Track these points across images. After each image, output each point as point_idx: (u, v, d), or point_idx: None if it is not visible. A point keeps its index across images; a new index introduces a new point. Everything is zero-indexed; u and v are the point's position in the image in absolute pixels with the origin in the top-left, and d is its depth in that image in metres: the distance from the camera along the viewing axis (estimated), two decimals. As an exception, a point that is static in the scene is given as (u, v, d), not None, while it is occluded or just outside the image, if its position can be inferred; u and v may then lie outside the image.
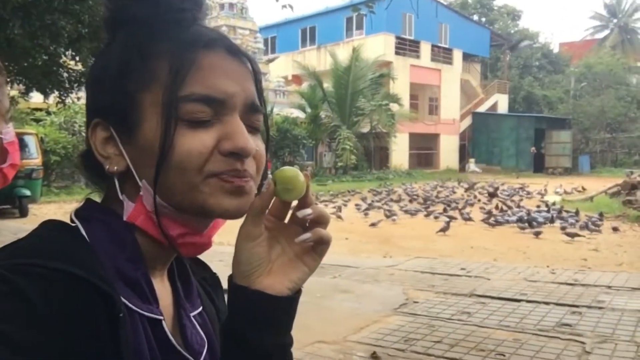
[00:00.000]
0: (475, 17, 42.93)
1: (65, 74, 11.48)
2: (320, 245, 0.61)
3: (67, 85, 12.32)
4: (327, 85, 25.55)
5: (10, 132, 1.01)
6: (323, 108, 25.54)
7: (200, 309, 0.70)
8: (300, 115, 25.08)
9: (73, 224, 0.61)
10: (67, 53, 10.53)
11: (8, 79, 11.19)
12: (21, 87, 12.34)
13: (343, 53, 26.81)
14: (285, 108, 24.90)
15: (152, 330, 0.59)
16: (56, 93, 13.29)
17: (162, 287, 0.66)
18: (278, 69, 30.63)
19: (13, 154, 1.01)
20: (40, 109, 17.68)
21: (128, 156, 0.60)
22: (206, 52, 0.60)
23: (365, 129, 26.60)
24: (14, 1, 6.77)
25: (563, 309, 5.07)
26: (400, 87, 28.21)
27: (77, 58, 11.08)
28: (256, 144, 0.62)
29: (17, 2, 6.84)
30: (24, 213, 12.50)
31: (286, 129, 23.08)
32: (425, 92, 33.24)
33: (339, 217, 11.67)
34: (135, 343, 0.56)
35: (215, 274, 0.80)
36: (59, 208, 13.52)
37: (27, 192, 12.72)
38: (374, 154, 27.63)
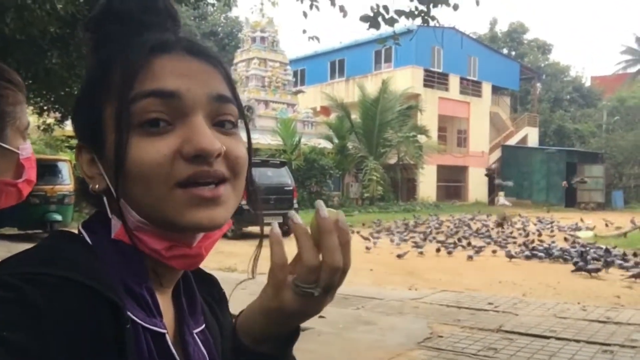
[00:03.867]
0: (505, 51, 42.88)
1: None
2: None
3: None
4: (355, 116, 25.72)
5: (28, 149, 1.04)
6: (350, 139, 25.65)
7: (203, 326, 0.69)
8: (328, 145, 25.22)
9: (81, 236, 0.60)
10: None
11: (45, 107, 11.57)
12: (57, 114, 12.75)
13: (371, 85, 27.04)
14: (312, 138, 25.07)
15: (154, 343, 0.58)
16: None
17: (166, 303, 0.65)
18: (307, 101, 31.00)
19: (29, 170, 1.04)
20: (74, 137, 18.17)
21: (107, 175, 0.59)
22: (159, 54, 0.58)
23: (393, 160, 26.56)
24: (52, 32, 7.05)
25: (594, 348, 4.88)
26: (428, 119, 28.17)
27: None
28: (229, 142, 0.59)
29: (55, 33, 7.13)
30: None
31: (313, 159, 23.19)
32: (454, 125, 33.13)
33: (367, 248, 11.56)
34: (138, 356, 0.55)
35: (222, 289, 0.78)
36: (89, 233, 13.66)
37: (59, 217, 13.00)
38: (401, 186, 27.48)
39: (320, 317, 5.80)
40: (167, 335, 0.60)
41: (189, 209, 0.56)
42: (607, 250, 10.98)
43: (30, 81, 9.12)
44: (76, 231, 0.62)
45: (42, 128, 13.66)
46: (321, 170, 23.49)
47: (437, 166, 29.72)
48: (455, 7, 4.80)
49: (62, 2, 6.63)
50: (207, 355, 0.66)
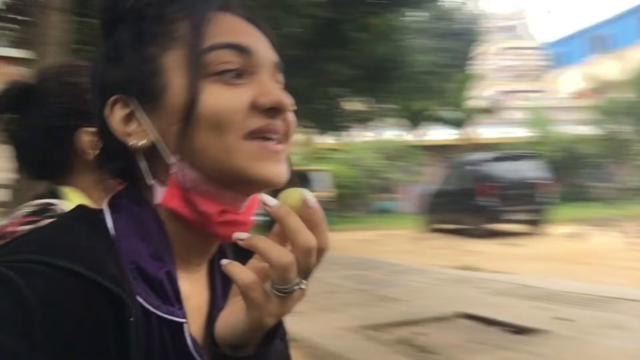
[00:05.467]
0: None
1: (342, 115, 12.71)
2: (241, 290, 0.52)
3: (346, 125, 13.62)
4: (625, 95, 22.33)
5: None
6: (621, 121, 22.35)
7: None
8: (590, 131, 22.44)
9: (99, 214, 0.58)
10: (342, 96, 11.68)
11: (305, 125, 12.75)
12: (313, 129, 14.19)
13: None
14: (571, 125, 22.63)
15: (170, 333, 0.55)
16: (340, 132, 14.82)
17: (196, 285, 0.62)
18: (564, 84, 28.16)
19: None
20: (331, 149, 20.02)
21: (156, 129, 0.56)
22: (223, 13, 0.59)
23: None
24: (292, 54, 7.89)
25: None
26: None
27: (354, 98, 12.12)
28: None
29: (295, 56, 7.97)
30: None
31: (571, 149, 20.90)
32: None
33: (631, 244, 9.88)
34: (149, 348, 0.53)
35: None
36: (352, 236, 14.36)
37: (321, 222, 14.41)
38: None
39: (560, 319, 5.21)
40: (185, 325, 0.56)
41: (258, 161, 0.55)
42: None
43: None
44: None
45: (303, 143, 15.24)
46: (582, 160, 21.01)
47: None
48: None
49: (293, 26, 7.42)
50: None
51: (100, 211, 0.58)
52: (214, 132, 0.54)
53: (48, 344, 0.45)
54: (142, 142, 0.56)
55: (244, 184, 0.56)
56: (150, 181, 0.57)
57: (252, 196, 0.59)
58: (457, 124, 21.27)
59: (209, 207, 0.56)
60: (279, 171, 0.57)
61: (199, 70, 0.55)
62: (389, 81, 10.49)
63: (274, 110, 0.56)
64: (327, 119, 12.62)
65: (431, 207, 15.25)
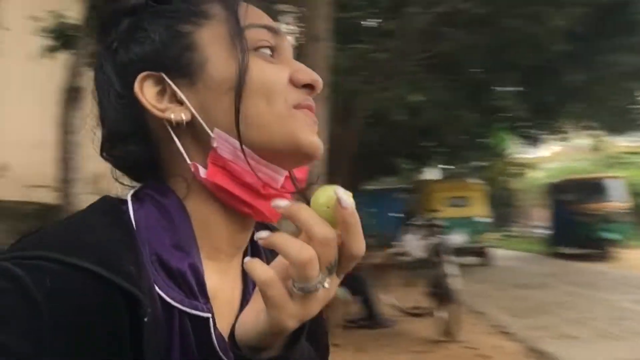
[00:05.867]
0: None
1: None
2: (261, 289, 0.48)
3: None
4: None
5: None
6: None
7: None
8: None
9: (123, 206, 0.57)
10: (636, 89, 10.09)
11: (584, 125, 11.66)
12: (604, 131, 12.57)
13: None
14: None
15: (194, 328, 0.54)
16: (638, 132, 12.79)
17: (227, 278, 0.60)
18: None
19: None
20: (629, 152, 17.29)
21: (192, 104, 0.55)
22: (247, 2, 0.60)
23: None
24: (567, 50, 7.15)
25: None
26: None
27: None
28: None
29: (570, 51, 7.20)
30: (607, 257, 12.43)
31: None
32: None
33: None
34: (169, 344, 0.52)
35: None
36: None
37: (614, 235, 12.62)
38: None
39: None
40: (211, 320, 0.54)
41: (309, 129, 0.58)
42: None
43: (554, 103, 9.52)
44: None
45: (591, 148, 13.70)
46: None
47: None
48: None
49: (563, 18, 6.72)
50: None
51: (125, 202, 0.57)
52: (265, 101, 0.56)
53: (56, 343, 0.43)
54: (183, 117, 0.55)
55: (289, 153, 0.57)
56: (189, 162, 0.55)
57: (288, 172, 0.59)
58: None
59: (254, 180, 0.55)
60: (320, 143, 0.58)
61: (245, 44, 0.56)
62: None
63: (309, 87, 0.59)
64: (622, 117, 11.04)
65: None
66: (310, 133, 0.57)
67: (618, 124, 11.55)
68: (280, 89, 0.57)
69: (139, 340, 0.47)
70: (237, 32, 0.56)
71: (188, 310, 0.53)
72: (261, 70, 0.56)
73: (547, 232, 15.57)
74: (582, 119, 11.42)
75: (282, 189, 0.58)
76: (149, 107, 0.55)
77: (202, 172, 0.55)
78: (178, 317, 0.52)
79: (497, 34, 7.02)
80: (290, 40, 0.62)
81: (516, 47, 7.25)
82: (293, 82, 0.58)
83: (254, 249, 0.64)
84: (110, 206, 0.56)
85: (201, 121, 0.55)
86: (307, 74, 0.59)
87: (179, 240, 0.55)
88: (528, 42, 7.07)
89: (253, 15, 0.59)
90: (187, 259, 0.54)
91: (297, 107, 0.57)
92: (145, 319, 0.47)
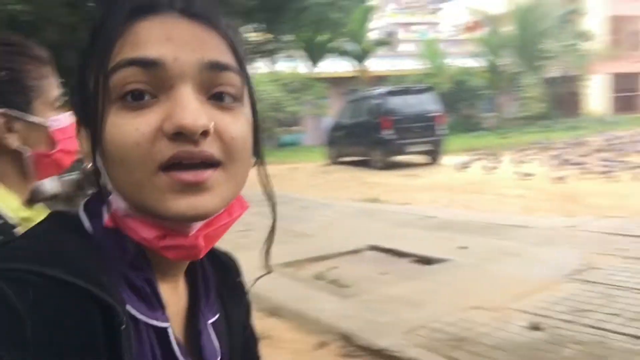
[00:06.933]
0: None
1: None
2: None
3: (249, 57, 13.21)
4: (508, 28, 23.62)
5: (60, 120, 1.07)
6: (504, 55, 23.76)
7: (217, 316, 0.65)
8: (478, 64, 23.66)
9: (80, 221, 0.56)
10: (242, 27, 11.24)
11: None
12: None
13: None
14: (459, 59, 23.69)
15: (158, 339, 0.55)
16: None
17: (175, 292, 0.61)
18: (451, 18, 29.16)
19: (63, 141, 1.07)
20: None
21: (94, 155, 0.53)
22: (144, 16, 0.51)
23: (554, 74, 24.14)
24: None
25: None
26: (595, 21, 24.87)
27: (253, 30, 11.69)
28: (225, 119, 0.52)
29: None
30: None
31: (462, 80, 22.01)
32: (628, 25, 28.77)
33: (527, 175, 10.66)
34: (140, 354, 0.53)
35: (239, 276, 0.73)
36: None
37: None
38: (564, 101, 25.00)
39: (461, 248, 5.65)
40: (169, 330, 0.56)
41: (170, 196, 0.50)
42: None
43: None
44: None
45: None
46: (471, 91, 22.27)
47: (609, 75, 26.36)
48: None
49: None
50: (218, 349, 0.63)
51: (77, 217, 0.55)
52: (123, 167, 0.50)
53: (40, 354, 0.43)
54: (90, 166, 0.56)
55: (161, 219, 0.52)
56: (109, 199, 0.55)
57: (204, 221, 0.54)
58: (358, 56, 21.44)
59: (148, 233, 0.53)
60: (196, 204, 0.50)
61: (103, 96, 0.50)
62: (288, 12, 10.26)
63: (182, 136, 0.48)
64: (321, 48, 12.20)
65: (333, 140, 15.58)
66: (172, 200, 0.50)
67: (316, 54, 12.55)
68: (137, 151, 0.49)
69: (116, 349, 0.47)
70: (95, 82, 0.51)
71: (151, 321, 0.54)
72: (117, 130, 0.49)
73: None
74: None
75: (192, 237, 0.54)
76: (81, 150, 0.57)
77: (105, 217, 0.55)
78: (144, 328, 0.54)
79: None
80: (195, 58, 0.51)
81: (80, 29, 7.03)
82: (163, 133, 0.49)
83: (201, 262, 0.65)
84: (68, 222, 0.55)
85: (103, 174, 0.54)
86: (172, 121, 0.48)
87: (133, 258, 0.55)
88: None
89: (134, 42, 0.50)
90: (142, 274, 0.55)
91: (167, 163, 0.49)
92: (123, 327, 0.48)
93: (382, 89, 15.00)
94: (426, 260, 5.37)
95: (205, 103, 0.51)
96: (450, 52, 24.13)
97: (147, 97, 0.50)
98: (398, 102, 13.60)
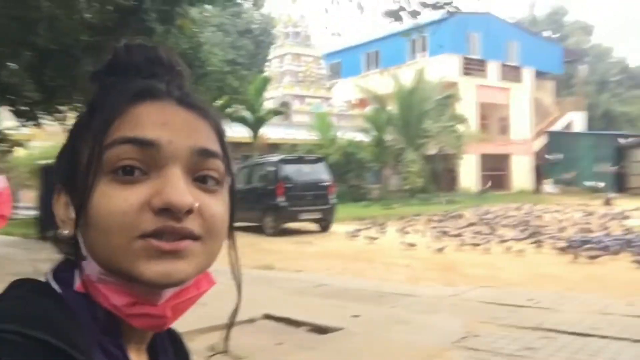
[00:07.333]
0: (546, 34, 41.49)
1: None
2: None
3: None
4: (392, 107, 25.43)
5: None
6: (388, 131, 25.40)
7: None
8: (365, 139, 25.04)
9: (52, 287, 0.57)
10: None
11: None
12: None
13: (407, 75, 26.62)
14: (349, 132, 24.96)
15: None
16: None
17: (141, 357, 0.63)
18: (342, 94, 30.86)
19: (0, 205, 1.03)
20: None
21: (78, 221, 0.55)
22: (144, 101, 0.57)
23: (433, 151, 26.16)
24: (84, 41, 7.22)
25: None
26: (468, 107, 27.63)
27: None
28: (207, 199, 0.57)
29: (87, 42, 7.30)
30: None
31: (351, 153, 23.08)
32: (495, 112, 32.31)
33: (404, 243, 11.38)
34: None
35: (185, 349, 0.75)
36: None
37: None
38: (441, 177, 27.04)
39: (354, 316, 5.79)
40: None
41: (146, 260, 0.53)
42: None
43: (69, 88, 9.42)
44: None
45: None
46: (359, 163, 23.37)
47: (481, 155, 29.10)
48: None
49: (91, 12, 6.80)
50: None
51: (46, 282, 0.57)
52: (105, 233, 0.53)
53: None
54: (65, 232, 0.58)
55: (136, 282, 0.55)
56: (82, 264, 0.57)
57: (174, 290, 0.57)
58: (253, 123, 21.77)
59: (118, 300, 0.55)
60: (169, 271, 0.54)
61: (96, 168, 0.54)
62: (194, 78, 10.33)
63: (167, 212, 0.53)
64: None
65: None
66: (146, 265, 0.53)
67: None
68: (123, 220, 0.53)
69: None
70: (89, 156, 0.55)
71: None
72: (106, 200, 0.53)
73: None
74: (80, 105, 11.59)
75: (161, 306, 0.57)
76: (56, 216, 0.60)
77: (76, 282, 0.57)
78: None
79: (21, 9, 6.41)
80: (187, 143, 0.56)
81: (38, 27, 6.79)
82: (150, 207, 0.53)
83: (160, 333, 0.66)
84: (39, 287, 0.56)
85: (79, 240, 0.56)
86: (161, 198, 0.53)
87: (104, 325, 0.56)
88: (53, 25, 6.76)
89: (132, 123, 0.55)
90: (113, 342, 0.57)
91: (149, 234, 0.53)
92: None
93: (276, 157, 15.28)
94: (321, 330, 5.40)
95: (190, 184, 0.56)
96: (340, 125, 25.34)
97: (137, 173, 0.54)
98: (292, 170, 13.89)
